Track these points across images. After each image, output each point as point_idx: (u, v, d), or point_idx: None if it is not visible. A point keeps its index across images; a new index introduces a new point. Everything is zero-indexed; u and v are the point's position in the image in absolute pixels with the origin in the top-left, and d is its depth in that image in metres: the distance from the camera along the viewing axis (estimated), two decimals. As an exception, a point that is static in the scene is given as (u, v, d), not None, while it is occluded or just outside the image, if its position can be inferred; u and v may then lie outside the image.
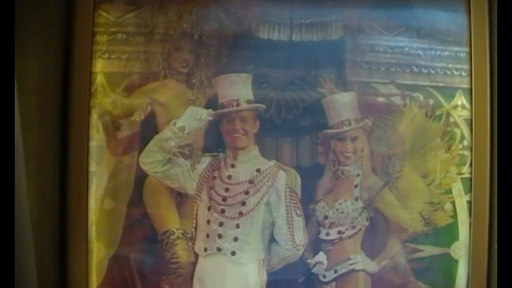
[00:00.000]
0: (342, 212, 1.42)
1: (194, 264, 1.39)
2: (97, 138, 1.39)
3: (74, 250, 1.37)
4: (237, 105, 1.39)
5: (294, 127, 1.42)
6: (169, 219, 1.39)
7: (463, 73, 1.45)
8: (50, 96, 1.36)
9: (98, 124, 1.39)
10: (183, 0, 1.42)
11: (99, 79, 1.39)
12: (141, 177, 1.39)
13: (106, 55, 1.40)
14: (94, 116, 1.39)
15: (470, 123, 1.44)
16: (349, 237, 1.42)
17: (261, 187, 1.40)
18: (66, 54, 1.38)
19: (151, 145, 1.39)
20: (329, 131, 1.42)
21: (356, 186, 1.43)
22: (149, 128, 1.40)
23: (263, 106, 1.41)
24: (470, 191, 1.43)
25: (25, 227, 1.22)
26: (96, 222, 1.38)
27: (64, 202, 1.37)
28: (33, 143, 1.31)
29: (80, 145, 1.37)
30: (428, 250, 1.43)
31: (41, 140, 1.34)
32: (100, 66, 1.39)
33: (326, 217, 1.42)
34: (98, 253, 1.38)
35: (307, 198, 1.42)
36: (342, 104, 1.42)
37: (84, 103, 1.38)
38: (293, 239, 1.39)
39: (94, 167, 1.38)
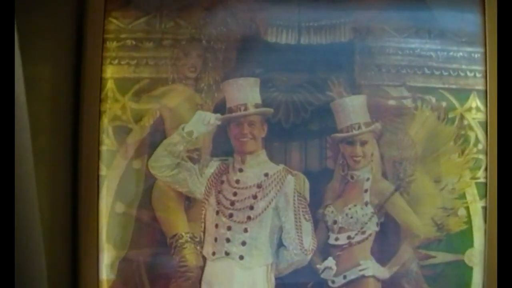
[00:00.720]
0: (351, 217, 1.40)
1: (202, 268, 1.40)
2: (107, 143, 1.41)
3: (85, 252, 1.39)
4: (245, 109, 1.39)
5: (302, 131, 1.41)
6: (177, 223, 1.41)
7: (478, 75, 1.41)
8: (62, 101, 1.39)
9: (108, 129, 1.41)
10: (191, 5, 1.42)
11: (109, 85, 1.41)
12: (151, 181, 1.41)
13: (116, 61, 1.42)
14: (105, 121, 1.41)
15: (485, 126, 1.40)
16: (359, 242, 1.40)
17: (269, 191, 1.39)
18: (77, 60, 1.41)
19: (160, 150, 1.40)
20: (338, 135, 1.40)
21: (366, 191, 1.40)
22: (158, 133, 1.41)
23: (271, 110, 1.40)
24: (485, 196, 1.39)
25: (36, 230, 1.25)
26: (107, 225, 1.40)
27: (75, 205, 1.40)
28: (46, 147, 1.34)
29: (91, 149, 1.40)
30: (441, 257, 1.40)
31: (53, 144, 1.37)
32: (110, 72, 1.42)
33: (335, 222, 1.40)
34: (109, 255, 1.40)
35: (315, 203, 1.40)
36: (351, 108, 1.40)
37: (94, 108, 1.40)
38: (302, 244, 1.38)
39: (105, 171, 1.41)
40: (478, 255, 1.39)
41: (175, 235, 1.40)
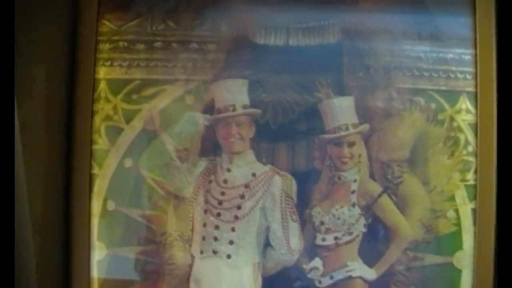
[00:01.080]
0: (338, 218, 1.40)
1: (190, 266, 1.42)
2: (99, 142, 1.44)
3: (77, 249, 1.43)
4: (233, 110, 1.41)
5: (290, 132, 1.42)
6: (166, 221, 1.43)
7: (468, 76, 1.40)
8: (56, 101, 1.43)
9: (100, 129, 1.44)
10: (181, 8, 1.45)
11: (102, 86, 1.45)
12: (141, 180, 1.44)
13: (109, 63, 1.45)
14: (97, 121, 1.44)
15: (475, 128, 1.38)
16: (346, 243, 1.40)
17: (257, 191, 1.41)
18: (71, 61, 1.44)
19: (150, 149, 1.43)
20: (326, 136, 1.41)
21: (353, 192, 1.40)
22: (149, 133, 1.44)
23: (259, 111, 1.41)
24: (475, 198, 1.38)
25: (26, 227, 1.29)
26: (98, 223, 1.44)
27: (67, 203, 1.44)
28: (40, 146, 1.38)
29: (83, 148, 1.43)
30: (429, 259, 1.39)
31: (47, 143, 1.41)
32: (102, 73, 1.45)
33: (322, 223, 1.41)
34: (100, 253, 1.44)
35: (302, 203, 1.41)
36: (339, 109, 1.40)
37: (87, 108, 1.44)
38: (288, 244, 1.39)
39: (97, 170, 1.44)
40: (467, 258, 1.38)
41: (164, 233, 1.43)
